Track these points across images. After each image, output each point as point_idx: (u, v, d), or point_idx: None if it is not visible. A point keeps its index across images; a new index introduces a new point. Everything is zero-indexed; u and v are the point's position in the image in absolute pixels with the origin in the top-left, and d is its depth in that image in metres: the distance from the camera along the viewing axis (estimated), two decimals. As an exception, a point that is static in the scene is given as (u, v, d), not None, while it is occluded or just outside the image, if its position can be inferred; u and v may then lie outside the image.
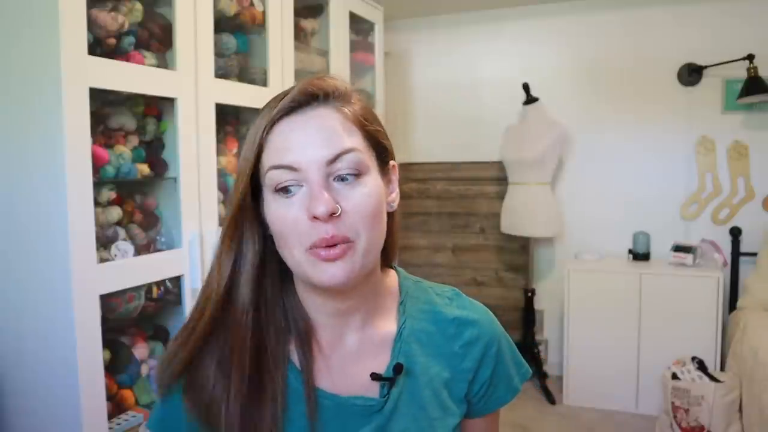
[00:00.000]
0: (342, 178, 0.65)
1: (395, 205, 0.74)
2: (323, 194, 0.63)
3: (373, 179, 0.67)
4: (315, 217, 0.63)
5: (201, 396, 0.68)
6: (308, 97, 0.66)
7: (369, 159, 0.68)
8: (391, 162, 0.74)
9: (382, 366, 0.73)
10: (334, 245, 0.64)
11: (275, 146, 0.65)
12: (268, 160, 0.66)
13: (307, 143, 0.64)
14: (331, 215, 0.63)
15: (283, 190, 0.65)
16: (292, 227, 0.65)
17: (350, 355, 0.74)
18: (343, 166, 0.65)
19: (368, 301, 0.74)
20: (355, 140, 0.66)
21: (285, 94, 0.68)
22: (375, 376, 0.71)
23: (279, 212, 0.66)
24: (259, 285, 0.70)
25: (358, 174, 0.66)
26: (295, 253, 0.66)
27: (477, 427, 0.80)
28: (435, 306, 0.78)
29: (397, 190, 0.75)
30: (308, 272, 0.66)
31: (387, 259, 0.79)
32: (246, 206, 0.68)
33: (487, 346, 0.77)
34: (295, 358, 0.72)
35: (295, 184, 0.65)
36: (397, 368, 0.72)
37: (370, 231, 0.66)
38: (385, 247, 0.73)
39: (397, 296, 0.78)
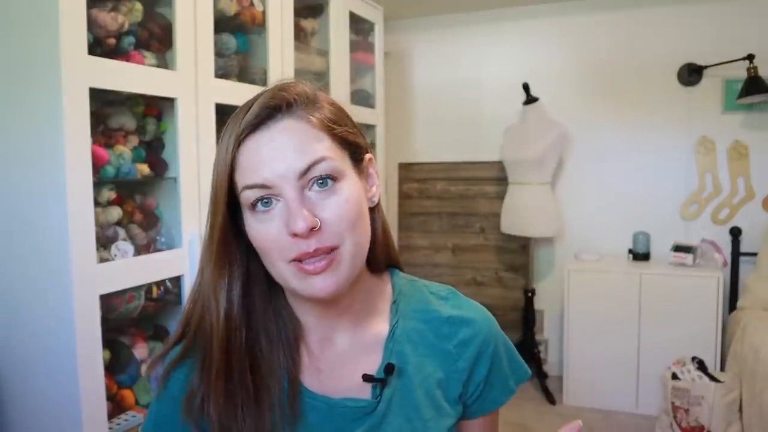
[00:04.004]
0: (320, 183, 0.64)
1: (376, 199, 0.73)
2: (301, 210, 0.62)
3: (349, 183, 0.66)
4: (295, 234, 0.62)
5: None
6: (271, 110, 0.64)
7: (342, 163, 0.66)
8: (366, 156, 0.72)
9: (373, 367, 0.72)
10: (319, 257, 0.63)
11: (245, 165, 0.64)
12: (240, 179, 0.65)
13: (275, 158, 0.63)
14: (311, 230, 0.62)
15: (261, 207, 0.64)
16: (274, 243, 0.64)
17: (341, 356, 0.73)
18: (316, 175, 0.63)
19: (358, 302, 0.73)
20: (324, 148, 0.64)
21: (249, 106, 0.66)
22: (366, 378, 0.70)
23: (259, 229, 0.65)
24: (248, 299, 0.70)
25: (333, 178, 0.64)
26: (279, 267, 0.65)
27: (475, 428, 0.79)
28: (429, 305, 0.77)
29: (377, 183, 0.73)
30: (295, 286, 0.65)
31: (378, 258, 0.77)
32: (229, 230, 0.67)
33: (483, 345, 0.75)
34: (287, 363, 0.71)
35: (271, 200, 0.64)
36: (389, 369, 0.70)
37: (354, 235, 0.65)
38: (374, 247, 0.72)
39: (390, 296, 0.77)
